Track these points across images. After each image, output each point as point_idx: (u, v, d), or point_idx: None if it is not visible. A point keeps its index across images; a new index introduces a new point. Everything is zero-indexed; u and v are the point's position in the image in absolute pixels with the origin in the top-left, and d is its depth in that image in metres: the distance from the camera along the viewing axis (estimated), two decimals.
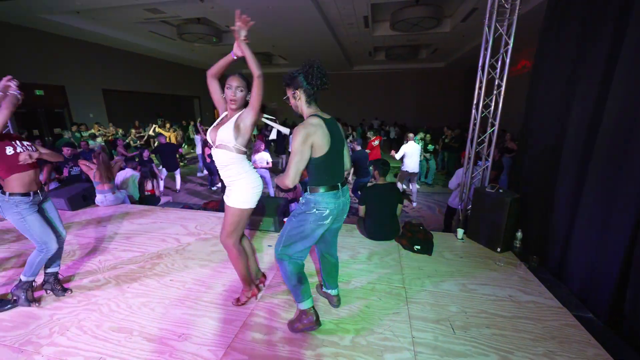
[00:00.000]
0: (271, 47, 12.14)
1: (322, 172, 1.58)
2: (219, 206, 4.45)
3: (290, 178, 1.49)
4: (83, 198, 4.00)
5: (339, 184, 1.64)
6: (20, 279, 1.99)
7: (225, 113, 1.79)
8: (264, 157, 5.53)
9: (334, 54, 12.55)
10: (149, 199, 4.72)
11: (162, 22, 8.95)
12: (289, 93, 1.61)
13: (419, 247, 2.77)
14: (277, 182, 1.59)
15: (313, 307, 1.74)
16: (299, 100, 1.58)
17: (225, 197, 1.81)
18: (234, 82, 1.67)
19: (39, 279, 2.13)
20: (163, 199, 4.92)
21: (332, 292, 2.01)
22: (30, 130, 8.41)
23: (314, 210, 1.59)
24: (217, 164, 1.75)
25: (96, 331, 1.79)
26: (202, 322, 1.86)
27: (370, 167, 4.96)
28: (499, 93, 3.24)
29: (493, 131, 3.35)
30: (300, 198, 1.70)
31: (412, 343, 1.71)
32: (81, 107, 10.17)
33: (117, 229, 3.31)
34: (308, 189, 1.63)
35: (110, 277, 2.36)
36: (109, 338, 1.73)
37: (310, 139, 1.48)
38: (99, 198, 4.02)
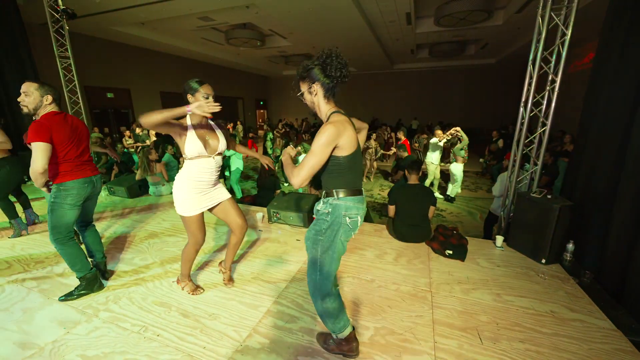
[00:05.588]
0: (311, 48, 12.35)
1: (349, 172, 1.37)
2: (253, 200, 4.69)
3: (303, 179, 1.27)
4: (139, 187, 4.51)
5: (361, 189, 1.44)
6: None
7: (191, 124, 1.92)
8: None
9: (374, 53, 12.35)
10: None
11: (212, 29, 9.65)
12: (304, 88, 1.39)
13: (451, 252, 2.64)
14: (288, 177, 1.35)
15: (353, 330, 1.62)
16: (315, 96, 1.37)
17: (225, 193, 2.04)
18: (211, 91, 1.86)
19: None
20: None
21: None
22: (102, 128, 9.68)
23: (346, 218, 1.36)
24: (216, 167, 1.92)
25: (142, 303, 2.03)
26: (230, 305, 2.01)
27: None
28: (552, 89, 2.93)
29: (544, 131, 3.04)
30: (319, 205, 1.43)
31: (433, 348, 1.65)
32: (143, 108, 11.42)
33: (166, 216, 3.67)
34: (334, 193, 1.37)
35: (156, 258, 2.65)
36: (152, 310, 1.96)
37: (339, 139, 1.28)
38: (151, 189, 4.51)
